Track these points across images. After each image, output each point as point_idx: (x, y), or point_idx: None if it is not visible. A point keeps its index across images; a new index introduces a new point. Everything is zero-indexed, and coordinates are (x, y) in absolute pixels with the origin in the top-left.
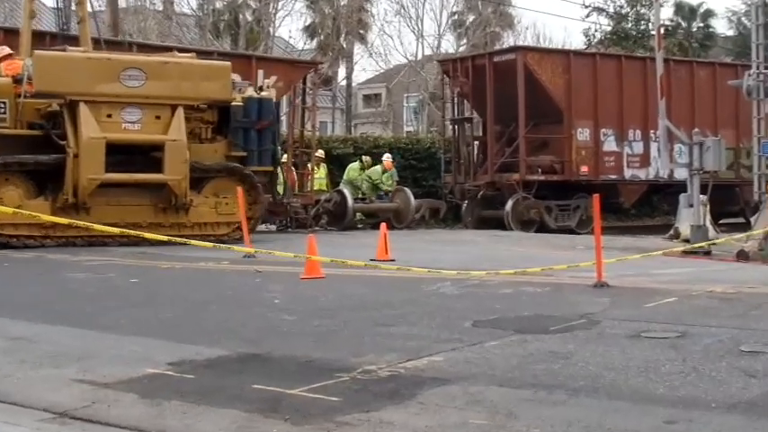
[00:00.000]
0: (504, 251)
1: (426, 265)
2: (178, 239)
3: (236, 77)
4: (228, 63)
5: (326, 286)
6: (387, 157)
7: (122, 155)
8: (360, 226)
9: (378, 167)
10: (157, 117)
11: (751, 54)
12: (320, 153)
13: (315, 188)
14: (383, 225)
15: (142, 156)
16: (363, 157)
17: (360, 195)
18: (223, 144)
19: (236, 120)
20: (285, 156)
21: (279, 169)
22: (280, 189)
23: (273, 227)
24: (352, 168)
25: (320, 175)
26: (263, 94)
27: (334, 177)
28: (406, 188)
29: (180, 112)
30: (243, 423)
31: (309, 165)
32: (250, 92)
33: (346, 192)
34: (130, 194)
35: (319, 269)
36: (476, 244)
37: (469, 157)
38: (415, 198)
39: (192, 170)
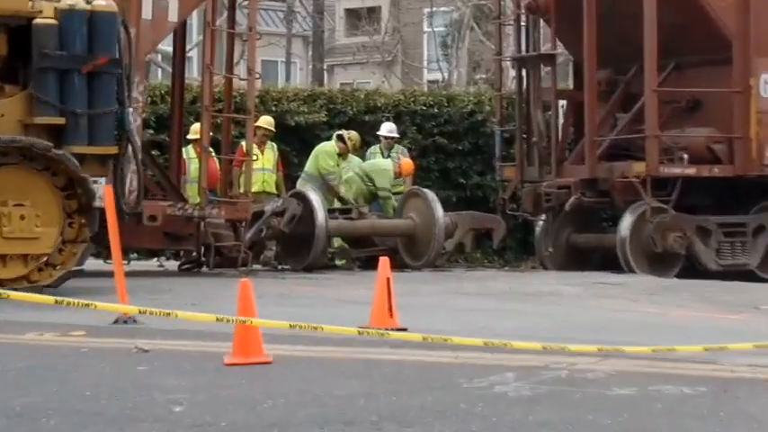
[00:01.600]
0: (618, 313)
1: (468, 338)
2: None
3: None
4: None
5: (275, 379)
6: (397, 148)
7: None
8: (339, 263)
9: (387, 162)
10: None
11: None
12: (265, 122)
13: (254, 189)
14: (384, 262)
15: None
16: (345, 132)
17: (337, 204)
18: (17, 101)
19: (43, 53)
20: (197, 129)
21: (134, 151)
22: (192, 192)
23: (172, 263)
24: (325, 151)
25: (264, 163)
26: (98, 4)
27: (292, 169)
28: (426, 191)
29: None
30: None
31: (243, 144)
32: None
33: (313, 197)
34: None
35: (261, 347)
36: (562, 298)
37: (550, 132)
38: (446, 210)
39: None
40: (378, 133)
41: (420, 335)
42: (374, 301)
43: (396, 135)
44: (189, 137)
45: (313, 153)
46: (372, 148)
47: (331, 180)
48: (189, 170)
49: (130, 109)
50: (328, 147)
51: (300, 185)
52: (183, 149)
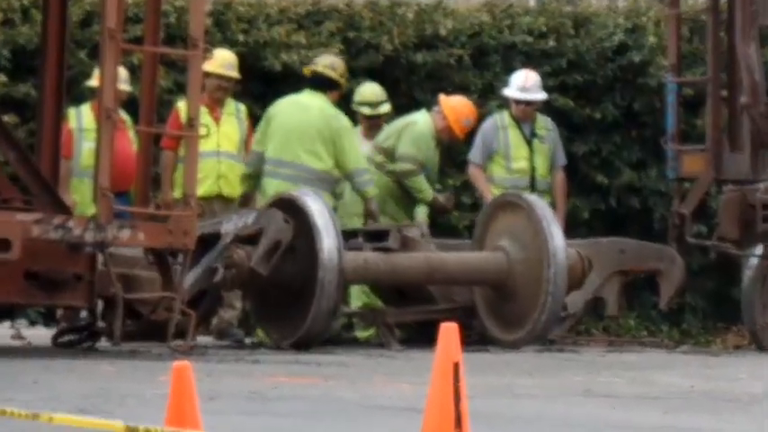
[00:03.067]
0: None
1: None
2: None
3: None
4: None
5: None
6: (543, 121)
7: None
8: (362, 335)
9: (419, 117)
10: None
11: None
12: (222, 63)
13: (202, 192)
14: (448, 333)
15: None
16: (324, 62)
17: (353, 218)
18: None
19: None
20: (95, 74)
21: None
22: (81, 195)
23: (41, 330)
24: (346, 128)
25: (220, 142)
26: None
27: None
28: (532, 198)
29: None
30: None
31: (181, 106)
32: None
33: (314, 206)
34: None
35: None
36: None
37: None
38: (571, 234)
39: None
40: (505, 93)
41: None
42: (428, 408)
43: (539, 96)
44: (88, 84)
45: (315, 126)
46: (491, 120)
47: (364, 184)
48: (78, 152)
49: None
50: (342, 119)
51: (283, 186)
52: (71, 111)
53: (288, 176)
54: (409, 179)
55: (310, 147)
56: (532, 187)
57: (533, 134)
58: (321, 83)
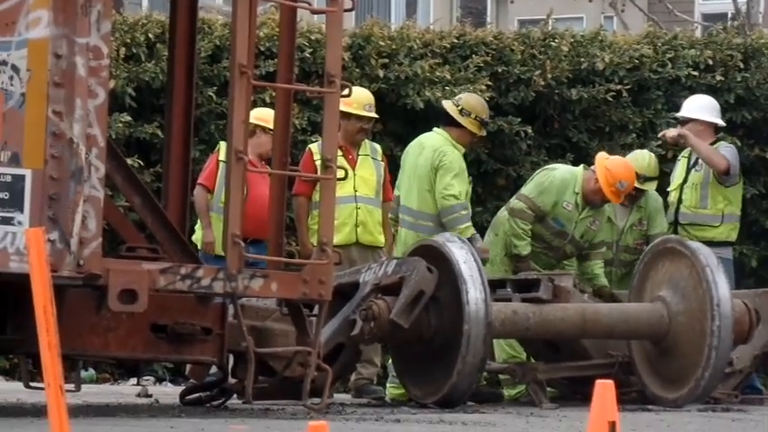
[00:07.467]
0: None
1: None
2: None
3: None
4: None
5: None
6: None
7: None
8: (509, 393)
9: (560, 171)
10: None
11: None
12: (361, 102)
13: (338, 239)
14: (604, 390)
15: None
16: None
17: (499, 266)
18: None
19: None
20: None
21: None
22: (220, 237)
23: (169, 388)
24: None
25: (357, 185)
26: None
27: None
28: (695, 245)
29: None
30: None
31: (313, 148)
32: None
33: (458, 253)
34: None
35: None
36: None
37: None
38: (737, 285)
39: None
40: (680, 115)
41: None
42: None
43: (714, 119)
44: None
45: (424, 166)
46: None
47: (453, 222)
48: (220, 188)
49: None
50: (448, 154)
51: (416, 234)
52: (221, 144)
53: (410, 225)
54: (513, 219)
55: (423, 189)
56: (676, 221)
57: (694, 165)
58: (443, 117)
